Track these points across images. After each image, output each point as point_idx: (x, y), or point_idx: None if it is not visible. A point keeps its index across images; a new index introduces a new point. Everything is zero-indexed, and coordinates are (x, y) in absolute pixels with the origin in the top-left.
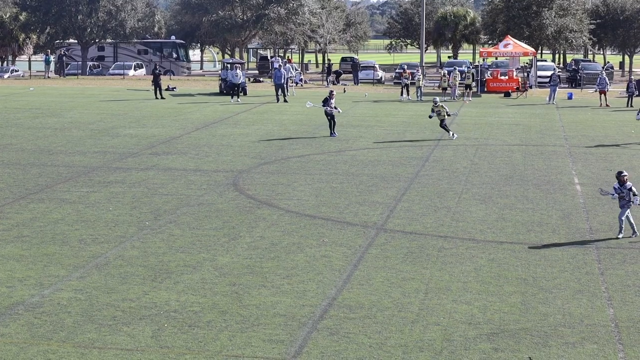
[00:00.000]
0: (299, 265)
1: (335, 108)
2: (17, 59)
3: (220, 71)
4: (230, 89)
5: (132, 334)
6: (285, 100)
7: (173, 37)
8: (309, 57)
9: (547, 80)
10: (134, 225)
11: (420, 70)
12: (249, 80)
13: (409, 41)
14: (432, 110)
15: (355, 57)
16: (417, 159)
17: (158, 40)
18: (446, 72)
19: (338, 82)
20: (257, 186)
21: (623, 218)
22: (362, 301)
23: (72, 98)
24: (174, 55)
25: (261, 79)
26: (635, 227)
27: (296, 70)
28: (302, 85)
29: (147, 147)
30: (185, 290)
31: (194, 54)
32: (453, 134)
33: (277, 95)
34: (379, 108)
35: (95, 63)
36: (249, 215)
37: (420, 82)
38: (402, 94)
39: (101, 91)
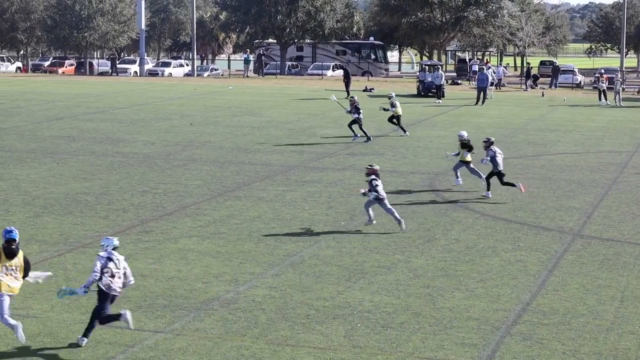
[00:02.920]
0: (493, 269)
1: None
2: (216, 57)
3: (418, 73)
4: (428, 90)
5: (325, 333)
6: (482, 103)
7: (372, 38)
8: (507, 60)
9: None
10: (329, 225)
11: (619, 75)
12: (447, 82)
13: (609, 45)
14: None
15: (555, 60)
16: (615, 165)
17: (356, 41)
18: None
19: (536, 86)
20: (453, 189)
21: (371, 209)
22: (557, 307)
23: (271, 97)
24: (372, 57)
25: (459, 82)
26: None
27: (495, 73)
28: (499, 89)
29: (344, 148)
30: (379, 291)
31: (392, 56)
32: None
33: (477, 97)
34: (578, 113)
35: (294, 63)
36: (445, 218)
37: (620, 87)
38: (600, 99)
39: (299, 91)
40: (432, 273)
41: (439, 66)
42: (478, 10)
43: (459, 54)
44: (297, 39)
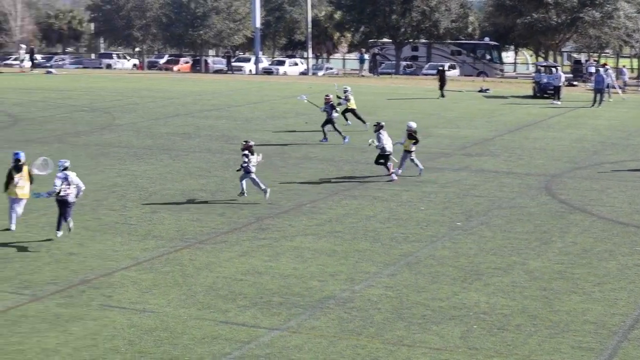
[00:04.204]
0: (610, 272)
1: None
2: (331, 57)
3: (533, 74)
4: (544, 91)
5: (440, 334)
6: (599, 105)
7: (487, 38)
8: (624, 62)
9: None
10: (445, 226)
11: None
12: (564, 83)
13: None
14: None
15: None
16: None
17: (471, 41)
18: None
19: None
20: (569, 191)
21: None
22: None
23: (386, 97)
24: (487, 57)
25: (575, 83)
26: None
27: (622, 74)
28: (614, 91)
29: (459, 148)
30: (495, 293)
31: (507, 56)
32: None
33: (594, 99)
34: None
35: (409, 62)
36: (561, 220)
37: None
38: None
39: (414, 91)
40: (549, 275)
41: (557, 67)
42: (594, 11)
43: (574, 55)
44: (411, 39)
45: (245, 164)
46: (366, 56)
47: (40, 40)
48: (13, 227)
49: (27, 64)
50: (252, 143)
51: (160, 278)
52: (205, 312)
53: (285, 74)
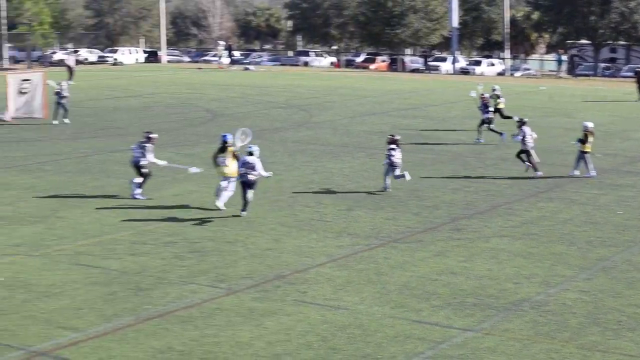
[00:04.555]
0: None
1: None
2: (528, 57)
3: None
4: None
5: (636, 341)
6: None
7: None
8: None
9: None
10: None
11: None
12: None
13: None
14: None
15: None
16: None
17: None
18: None
19: None
20: None
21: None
22: None
23: (583, 99)
24: None
25: None
26: None
27: None
28: None
29: None
30: None
31: None
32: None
33: None
34: None
35: (608, 65)
36: None
37: None
38: None
39: (612, 93)
40: None
41: None
42: None
43: None
44: (610, 40)
45: (392, 158)
46: (564, 57)
47: (239, 37)
48: (220, 204)
49: (225, 60)
50: (398, 137)
51: (355, 275)
52: (398, 310)
53: (482, 74)
